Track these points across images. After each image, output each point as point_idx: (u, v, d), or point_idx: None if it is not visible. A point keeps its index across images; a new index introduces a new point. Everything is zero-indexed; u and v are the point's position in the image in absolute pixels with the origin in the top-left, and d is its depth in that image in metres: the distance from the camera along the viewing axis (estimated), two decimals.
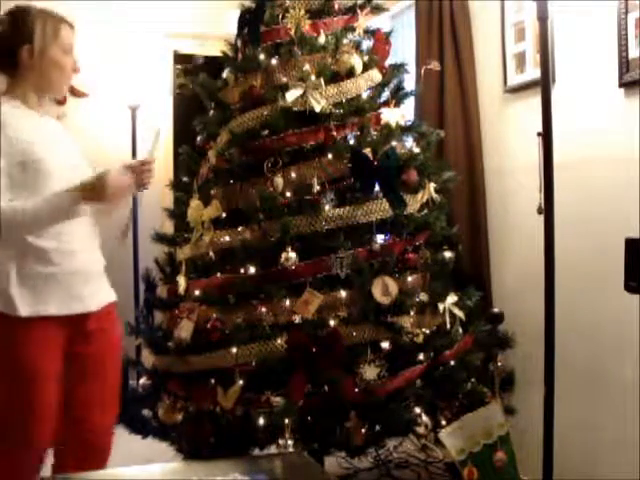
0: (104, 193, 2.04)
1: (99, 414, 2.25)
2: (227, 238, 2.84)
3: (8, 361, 2.08)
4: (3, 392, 2.09)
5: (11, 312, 2.04)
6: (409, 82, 3.32)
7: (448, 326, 2.82)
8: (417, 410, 2.67)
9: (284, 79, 2.88)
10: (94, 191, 2.04)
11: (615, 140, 2.69)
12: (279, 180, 2.76)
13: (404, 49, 3.89)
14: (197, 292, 2.87)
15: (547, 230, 2.49)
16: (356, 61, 2.92)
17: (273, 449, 2.69)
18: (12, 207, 1.99)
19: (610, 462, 2.72)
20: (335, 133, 2.81)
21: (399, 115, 3.00)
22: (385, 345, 2.69)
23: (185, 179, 3.17)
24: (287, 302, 2.67)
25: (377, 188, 2.77)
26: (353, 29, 3.07)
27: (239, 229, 2.81)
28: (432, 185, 2.95)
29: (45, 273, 2.08)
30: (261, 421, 2.56)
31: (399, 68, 3.14)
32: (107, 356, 2.27)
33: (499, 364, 2.87)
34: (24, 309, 2.05)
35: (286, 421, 2.52)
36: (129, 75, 4.75)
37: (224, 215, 2.89)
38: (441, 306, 2.81)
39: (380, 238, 2.88)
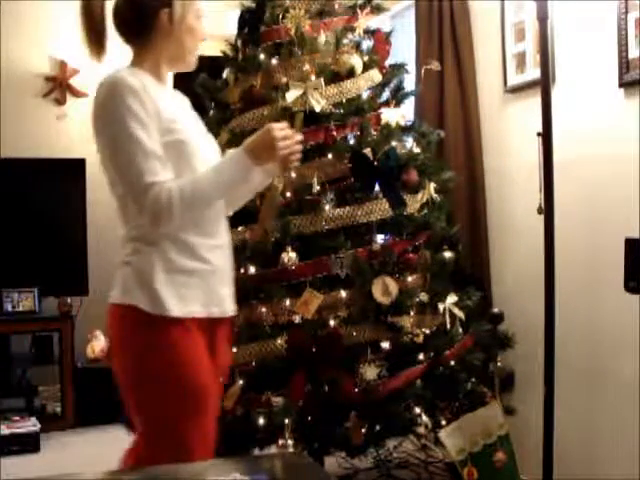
0: (273, 146, 1.83)
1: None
2: None
3: (166, 369, 1.79)
4: (170, 401, 1.81)
5: (158, 311, 1.78)
6: (409, 82, 3.32)
7: (448, 326, 2.81)
8: (417, 410, 2.67)
9: (284, 79, 2.88)
10: (264, 146, 1.84)
11: (615, 140, 2.69)
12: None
13: (404, 49, 3.88)
14: None
15: (547, 230, 2.50)
16: (356, 61, 2.92)
17: (273, 449, 2.69)
18: (184, 184, 1.77)
19: (610, 462, 2.72)
20: (335, 133, 2.81)
21: (399, 115, 3.00)
22: (385, 345, 2.69)
23: None
24: (287, 302, 2.67)
25: (377, 188, 2.77)
26: (353, 29, 3.07)
27: (239, 229, 2.81)
28: (432, 185, 2.95)
29: (189, 269, 1.83)
30: (261, 421, 2.57)
31: (399, 68, 3.14)
32: (222, 373, 2.02)
33: (499, 364, 2.87)
34: (174, 308, 1.79)
35: (286, 421, 2.52)
36: None
37: None
38: (441, 306, 2.81)
39: (380, 238, 2.88)
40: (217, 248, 1.90)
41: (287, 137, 1.86)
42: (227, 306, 1.94)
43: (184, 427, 1.81)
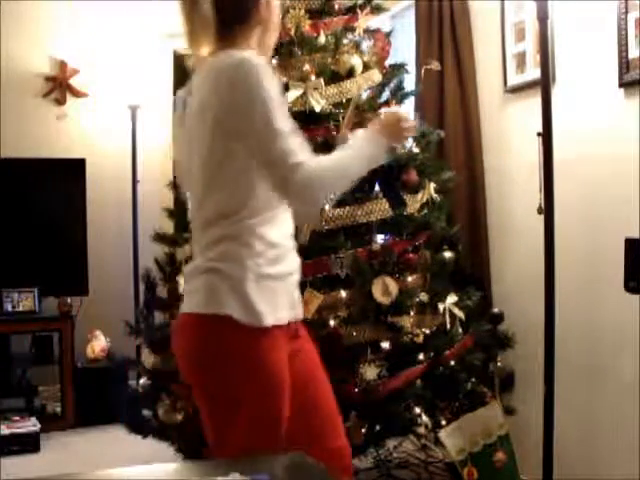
0: (400, 127, 1.90)
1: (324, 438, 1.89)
2: None
3: (258, 378, 1.72)
4: (256, 410, 1.72)
5: (254, 321, 1.69)
6: (409, 82, 3.32)
7: (448, 326, 2.82)
8: (417, 410, 2.67)
9: (284, 79, 2.88)
10: (392, 126, 1.89)
11: (615, 140, 2.69)
12: None
13: (404, 49, 3.89)
14: None
15: (547, 230, 2.50)
16: (356, 61, 2.92)
17: None
18: (324, 164, 1.72)
19: (610, 461, 2.72)
20: (335, 133, 2.81)
21: None
22: (385, 345, 2.68)
23: None
24: None
25: (377, 188, 2.77)
26: (353, 29, 3.06)
27: None
28: (432, 185, 2.95)
29: (276, 273, 1.75)
30: None
31: (399, 68, 3.14)
32: (317, 371, 1.97)
33: (499, 364, 2.88)
34: (268, 317, 1.71)
35: None
36: (129, 75, 4.75)
37: None
38: (441, 306, 2.81)
39: (380, 238, 2.88)
40: (293, 250, 1.85)
41: (407, 120, 1.93)
42: (300, 309, 1.90)
43: (277, 440, 1.74)
